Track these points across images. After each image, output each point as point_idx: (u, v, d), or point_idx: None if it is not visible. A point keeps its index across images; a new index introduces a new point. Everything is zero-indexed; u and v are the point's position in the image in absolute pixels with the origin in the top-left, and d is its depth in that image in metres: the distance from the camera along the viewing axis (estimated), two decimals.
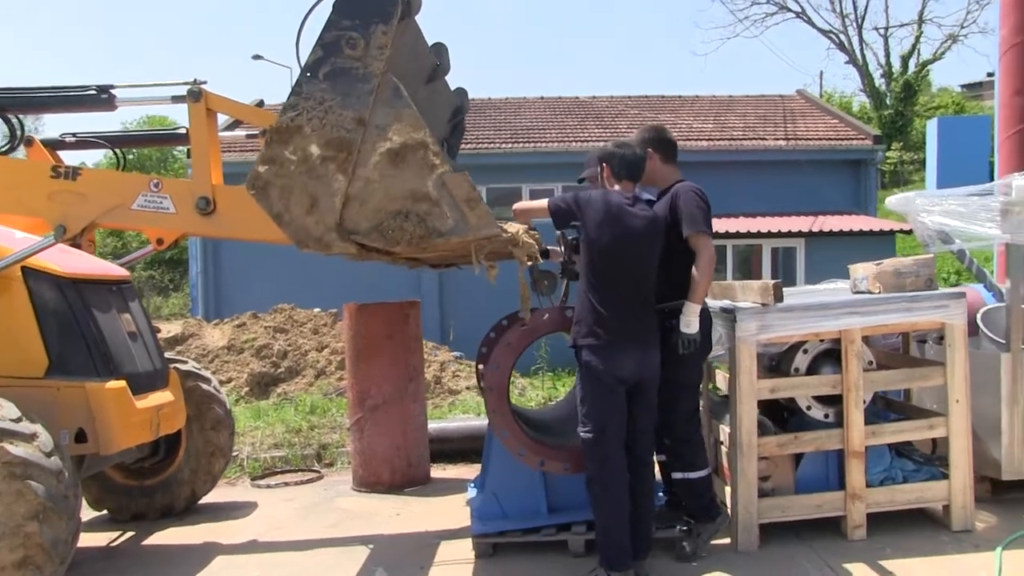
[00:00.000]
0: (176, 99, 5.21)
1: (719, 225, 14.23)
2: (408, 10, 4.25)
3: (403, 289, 16.94)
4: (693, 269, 5.19)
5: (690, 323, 5.17)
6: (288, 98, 4.19)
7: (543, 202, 5.24)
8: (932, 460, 5.88)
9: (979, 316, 6.30)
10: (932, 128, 21.84)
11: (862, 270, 5.95)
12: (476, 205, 4.14)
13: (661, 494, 5.77)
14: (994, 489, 6.19)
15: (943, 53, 40.78)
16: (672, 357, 5.24)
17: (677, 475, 5.54)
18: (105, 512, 6.96)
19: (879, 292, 5.70)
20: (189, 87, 5.13)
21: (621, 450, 5.01)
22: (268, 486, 7.92)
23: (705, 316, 5.41)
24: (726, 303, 5.87)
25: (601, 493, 4.98)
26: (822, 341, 5.71)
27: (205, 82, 5.11)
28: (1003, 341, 6.13)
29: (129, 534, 6.54)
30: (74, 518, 4.78)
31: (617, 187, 5.15)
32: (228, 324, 13.55)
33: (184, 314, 21.45)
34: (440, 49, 5.33)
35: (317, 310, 13.97)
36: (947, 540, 5.50)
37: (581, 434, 5.02)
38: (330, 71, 4.15)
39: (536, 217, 5.45)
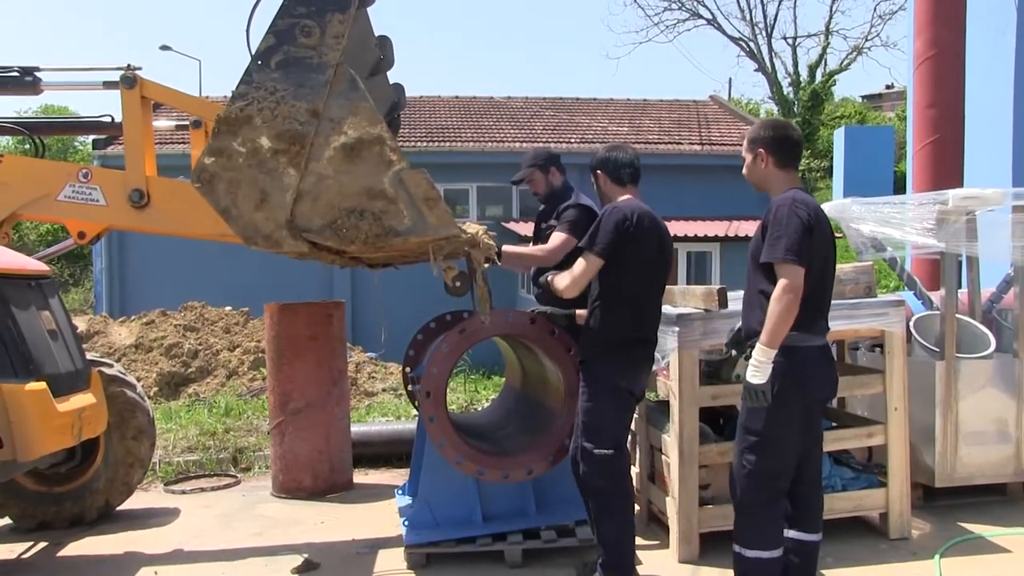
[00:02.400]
0: (108, 85, 4.90)
1: None
2: None
3: (317, 287, 16.66)
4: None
5: (757, 371, 4.13)
6: (237, 87, 3.95)
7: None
8: (870, 468, 5.89)
9: (912, 324, 6.34)
10: (839, 137, 22.29)
11: None
12: (435, 204, 3.97)
13: None
14: (926, 496, 6.26)
15: (848, 64, 41.95)
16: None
17: (735, 548, 4.42)
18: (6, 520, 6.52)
19: None
20: (123, 72, 4.82)
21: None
22: (183, 491, 7.59)
23: (810, 355, 4.30)
24: (666, 308, 5.78)
25: (617, 507, 4.82)
26: None
27: (140, 68, 4.83)
28: (936, 349, 6.19)
29: (42, 544, 6.15)
30: None
31: (627, 196, 4.92)
32: (136, 322, 13.09)
33: (85, 310, 20.73)
34: (384, 42, 5.15)
35: (228, 308, 13.59)
36: (885, 548, 5.52)
37: (594, 452, 4.76)
38: (283, 60, 3.93)
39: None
